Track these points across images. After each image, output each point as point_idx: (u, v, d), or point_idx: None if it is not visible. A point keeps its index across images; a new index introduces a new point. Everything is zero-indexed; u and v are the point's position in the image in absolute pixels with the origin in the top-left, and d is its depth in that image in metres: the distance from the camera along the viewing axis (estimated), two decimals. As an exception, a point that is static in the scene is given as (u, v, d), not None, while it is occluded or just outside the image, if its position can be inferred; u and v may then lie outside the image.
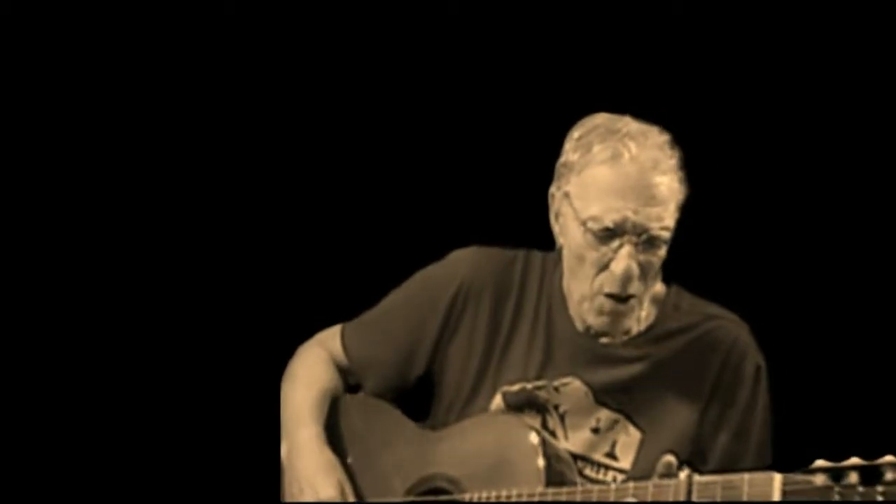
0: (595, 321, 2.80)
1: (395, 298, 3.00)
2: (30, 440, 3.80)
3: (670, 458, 2.62)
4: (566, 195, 2.81)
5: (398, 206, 3.80)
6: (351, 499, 2.85)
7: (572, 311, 2.86)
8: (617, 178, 2.74)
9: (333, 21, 3.81)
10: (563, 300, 2.87)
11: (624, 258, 2.73)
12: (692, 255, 2.92)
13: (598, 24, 3.68)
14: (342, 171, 3.84)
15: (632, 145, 2.75)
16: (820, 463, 2.41)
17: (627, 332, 2.83)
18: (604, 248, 2.75)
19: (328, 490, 2.84)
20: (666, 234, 2.75)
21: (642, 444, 2.77)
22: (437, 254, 3.03)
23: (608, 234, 2.74)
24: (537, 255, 2.95)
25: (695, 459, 2.76)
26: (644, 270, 2.75)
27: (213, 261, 3.86)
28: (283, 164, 3.86)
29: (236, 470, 3.69)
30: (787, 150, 3.63)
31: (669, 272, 2.89)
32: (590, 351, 2.84)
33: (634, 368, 2.82)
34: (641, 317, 2.84)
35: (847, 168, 3.60)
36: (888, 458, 2.35)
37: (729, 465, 2.72)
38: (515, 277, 2.92)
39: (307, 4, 3.80)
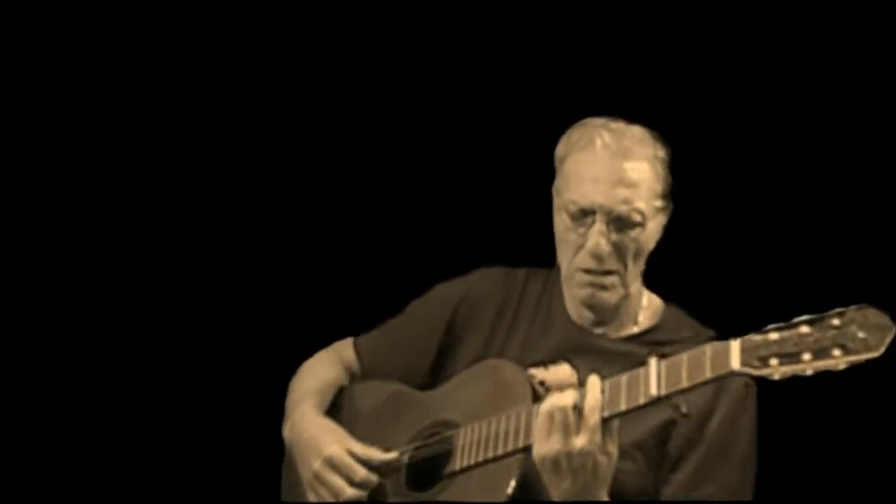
0: (580, 294, 2.95)
1: (406, 313, 3.20)
2: (33, 440, 3.85)
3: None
4: (557, 189, 3.01)
5: (414, 223, 3.87)
6: (344, 462, 2.96)
7: (569, 304, 3.03)
8: (590, 163, 2.93)
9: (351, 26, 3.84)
10: (562, 299, 3.05)
11: (594, 234, 2.90)
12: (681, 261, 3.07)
13: (602, 26, 3.71)
14: (362, 187, 3.90)
15: (605, 134, 2.93)
16: (773, 326, 2.55)
17: (613, 313, 2.97)
18: (581, 230, 2.92)
19: (331, 447, 2.98)
20: (636, 217, 2.90)
21: (617, 432, 2.76)
22: (453, 273, 3.19)
23: (582, 215, 2.91)
24: (542, 270, 3.13)
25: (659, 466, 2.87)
26: (618, 249, 2.91)
27: (230, 273, 3.91)
28: (301, 181, 3.90)
29: (237, 471, 3.79)
30: (787, 152, 3.63)
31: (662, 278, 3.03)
32: (582, 341, 2.99)
33: (621, 363, 2.87)
34: (639, 318, 3.00)
35: (849, 171, 3.59)
36: (836, 310, 2.50)
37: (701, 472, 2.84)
38: (517, 287, 3.10)
39: (307, 5, 3.83)
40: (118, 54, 3.82)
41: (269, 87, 3.86)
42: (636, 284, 2.98)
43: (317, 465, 2.97)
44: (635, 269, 2.95)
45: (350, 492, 2.94)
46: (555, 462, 2.66)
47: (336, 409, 3.14)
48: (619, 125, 2.95)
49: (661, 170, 2.94)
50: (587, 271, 2.92)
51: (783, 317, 2.47)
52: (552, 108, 3.56)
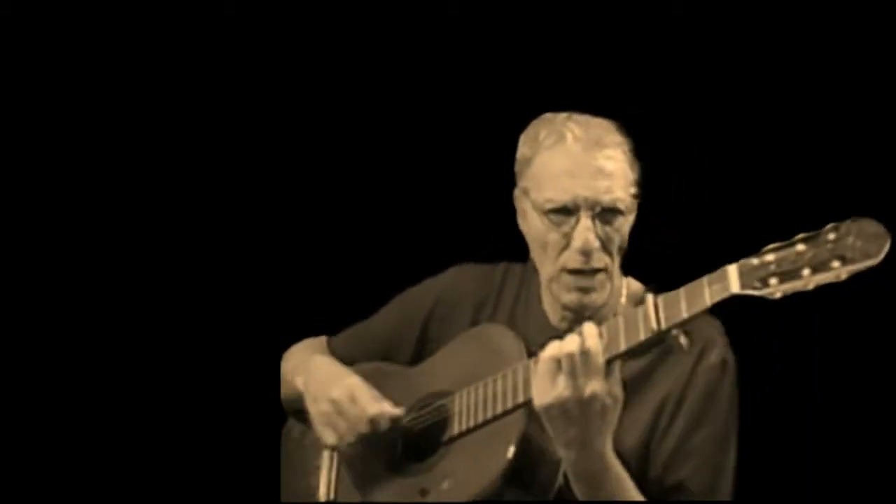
0: (567, 298, 2.86)
1: (381, 314, 3.15)
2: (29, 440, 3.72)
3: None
4: (524, 191, 2.91)
5: (395, 218, 3.83)
6: (363, 394, 2.92)
7: (546, 304, 2.95)
8: (564, 159, 2.83)
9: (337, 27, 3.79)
10: (538, 299, 2.97)
11: (582, 232, 2.81)
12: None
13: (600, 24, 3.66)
14: (342, 185, 3.86)
15: (574, 127, 2.85)
16: (769, 247, 2.52)
17: (596, 311, 2.87)
18: (563, 229, 2.83)
19: (336, 390, 2.92)
20: (620, 206, 2.83)
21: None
22: (433, 270, 3.14)
23: (564, 213, 2.82)
24: (519, 265, 3.05)
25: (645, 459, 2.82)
26: (605, 243, 2.83)
27: (213, 274, 3.81)
28: (283, 177, 3.85)
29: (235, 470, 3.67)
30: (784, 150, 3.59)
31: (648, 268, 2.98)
32: None
33: None
34: (618, 311, 2.88)
35: (847, 169, 3.52)
36: (831, 225, 2.48)
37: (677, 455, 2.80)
38: (493, 287, 3.03)
39: (305, 6, 3.77)
40: (118, 54, 3.76)
41: (249, 92, 3.81)
42: (618, 276, 2.91)
43: (336, 392, 2.92)
44: (619, 260, 2.88)
45: (363, 427, 2.89)
46: (563, 409, 2.60)
47: None
48: (582, 117, 2.88)
49: (630, 157, 2.87)
50: (574, 272, 2.84)
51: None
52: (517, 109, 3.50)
